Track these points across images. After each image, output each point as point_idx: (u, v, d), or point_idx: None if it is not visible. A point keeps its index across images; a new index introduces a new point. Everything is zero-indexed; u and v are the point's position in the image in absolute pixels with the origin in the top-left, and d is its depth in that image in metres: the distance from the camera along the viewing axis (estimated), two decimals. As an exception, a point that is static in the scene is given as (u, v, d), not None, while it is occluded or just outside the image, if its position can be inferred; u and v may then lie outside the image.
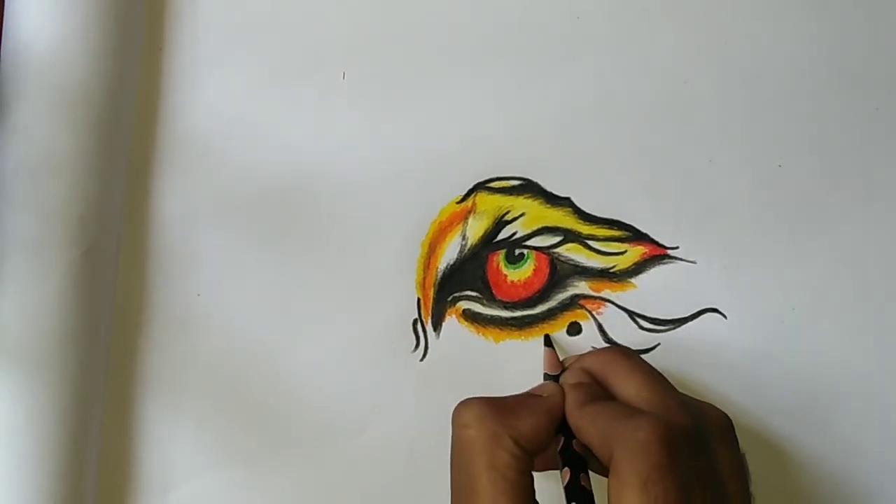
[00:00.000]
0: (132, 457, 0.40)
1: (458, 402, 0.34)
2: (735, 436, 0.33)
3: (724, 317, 0.40)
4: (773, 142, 0.41)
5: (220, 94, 0.42)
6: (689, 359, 0.39)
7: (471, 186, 0.41)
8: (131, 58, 0.40)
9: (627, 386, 0.33)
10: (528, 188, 0.40)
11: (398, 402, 0.40)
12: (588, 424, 0.32)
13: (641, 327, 0.40)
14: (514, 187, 0.40)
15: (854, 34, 0.41)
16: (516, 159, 0.41)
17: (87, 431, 0.38)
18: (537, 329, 0.40)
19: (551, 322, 0.40)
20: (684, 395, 0.34)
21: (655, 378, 0.33)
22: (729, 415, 0.34)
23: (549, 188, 0.40)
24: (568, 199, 0.40)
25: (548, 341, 0.39)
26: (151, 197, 0.41)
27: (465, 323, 0.40)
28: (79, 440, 0.38)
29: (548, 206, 0.40)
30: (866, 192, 0.40)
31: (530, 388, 0.36)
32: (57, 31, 0.38)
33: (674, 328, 0.40)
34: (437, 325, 0.40)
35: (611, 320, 0.40)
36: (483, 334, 0.40)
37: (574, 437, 0.33)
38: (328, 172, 0.41)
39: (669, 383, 0.33)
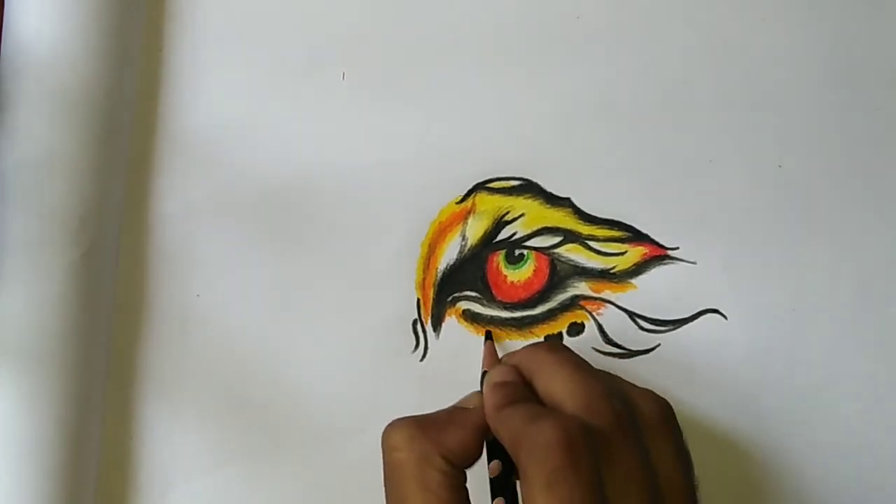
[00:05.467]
0: (132, 457, 0.40)
1: (387, 424, 0.33)
2: (674, 423, 0.33)
3: (725, 317, 0.40)
4: (773, 142, 0.41)
5: (220, 94, 0.42)
6: (690, 359, 0.39)
7: (470, 187, 0.41)
8: (131, 58, 0.40)
9: (553, 381, 0.32)
10: (528, 188, 0.40)
11: (398, 403, 0.40)
12: (502, 428, 0.32)
13: (642, 328, 0.40)
14: (513, 187, 0.41)
15: (854, 34, 0.41)
16: (516, 159, 0.41)
17: (87, 431, 0.38)
18: (538, 330, 0.40)
19: (551, 323, 0.40)
20: (623, 383, 0.34)
21: (581, 370, 0.32)
22: (669, 401, 0.33)
23: (549, 188, 0.40)
24: (568, 199, 0.40)
25: (489, 336, 0.39)
26: (151, 197, 0.41)
27: (465, 323, 0.40)
28: (79, 440, 0.38)
29: (548, 206, 0.40)
30: (866, 192, 0.40)
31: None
32: (57, 32, 0.38)
33: (674, 329, 0.40)
34: (436, 326, 0.40)
35: (611, 321, 0.40)
36: (483, 335, 0.40)
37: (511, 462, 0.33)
38: (328, 173, 0.41)
39: (598, 374, 0.33)
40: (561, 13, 0.41)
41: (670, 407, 0.33)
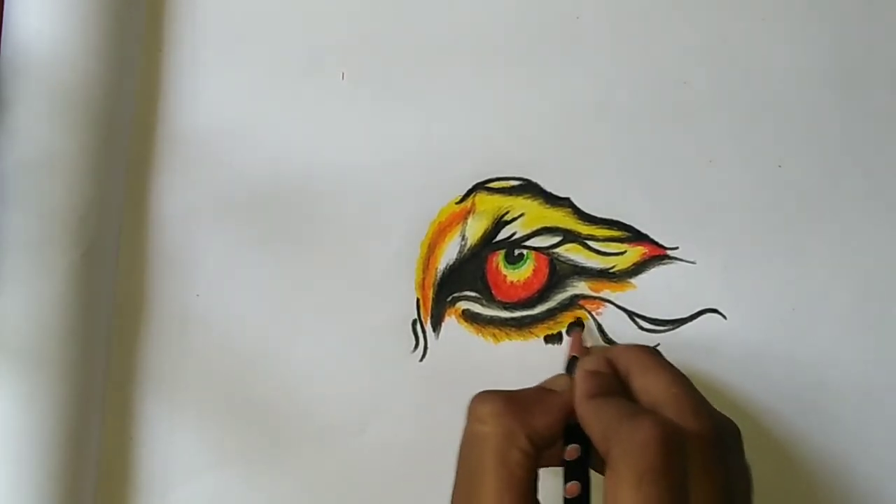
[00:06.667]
0: (132, 457, 0.40)
1: (476, 393, 0.34)
2: (743, 447, 0.33)
3: (724, 317, 0.40)
4: (773, 142, 0.40)
5: (220, 94, 0.42)
6: (689, 359, 0.39)
7: (470, 187, 0.41)
8: (131, 58, 0.40)
9: (656, 382, 0.33)
10: (528, 188, 0.40)
11: (397, 403, 0.40)
12: (591, 417, 0.32)
13: (641, 328, 0.40)
14: (513, 187, 0.40)
15: (854, 34, 0.41)
16: (516, 159, 0.41)
17: (87, 431, 0.38)
18: (537, 330, 0.40)
19: (551, 322, 0.40)
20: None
21: (681, 378, 0.33)
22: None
23: (548, 188, 0.40)
24: (567, 199, 0.40)
25: (579, 322, 0.39)
26: (151, 197, 0.41)
27: (465, 323, 0.40)
28: (79, 440, 0.38)
29: (547, 206, 0.40)
30: (866, 192, 0.40)
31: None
32: (57, 32, 0.38)
33: (673, 328, 0.40)
34: (436, 326, 0.40)
35: (610, 321, 0.40)
36: (482, 335, 0.40)
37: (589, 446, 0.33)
38: (327, 173, 0.41)
39: (693, 386, 0.33)
40: (561, 13, 0.41)
41: (739, 430, 0.34)
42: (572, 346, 0.38)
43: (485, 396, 0.33)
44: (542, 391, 0.35)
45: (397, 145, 0.41)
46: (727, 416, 0.34)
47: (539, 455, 0.32)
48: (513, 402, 0.33)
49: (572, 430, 0.33)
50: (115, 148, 0.40)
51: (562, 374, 0.36)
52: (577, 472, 0.33)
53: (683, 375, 0.34)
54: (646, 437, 0.29)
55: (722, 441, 0.31)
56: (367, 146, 0.41)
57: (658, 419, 0.30)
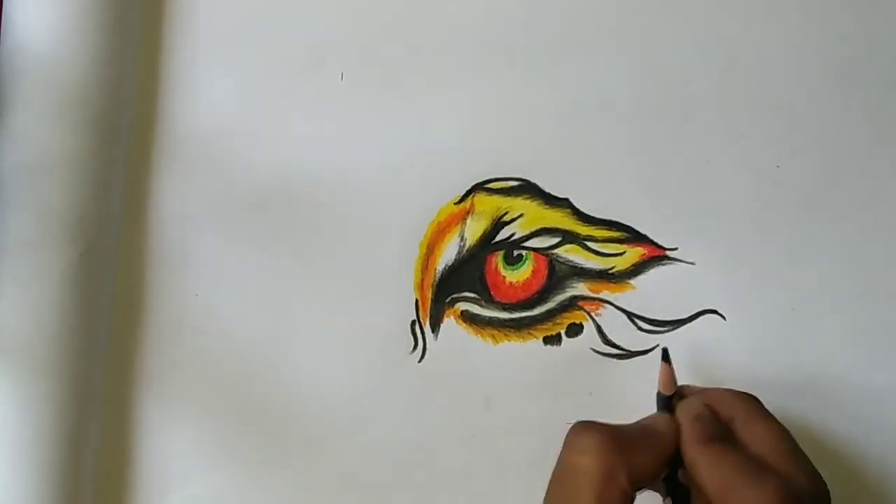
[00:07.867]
0: (131, 457, 0.40)
1: (576, 422, 0.33)
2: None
3: (724, 318, 0.40)
4: (773, 142, 0.40)
5: (220, 94, 0.42)
6: (689, 360, 0.39)
7: (469, 187, 0.41)
8: (130, 58, 0.40)
9: (766, 434, 0.33)
10: (527, 189, 0.40)
11: (396, 404, 0.40)
12: (708, 466, 0.32)
13: (640, 328, 0.40)
14: (512, 188, 0.40)
15: (853, 34, 0.41)
16: (515, 160, 0.41)
17: (86, 431, 0.38)
18: (536, 331, 0.40)
19: (550, 324, 0.40)
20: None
21: (788, 432, 0.33)
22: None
23: (547, 189, 0.40)
24: (567, 199, 0.40)
25: (666, 356, 0.36)
26: (150, 197, 0.41)
27: (464, 324, 0.40)
28: (78, 440, 0.38)
29: (546, 206, 0.40)
30: (866, 192, 0.40)
31: (641, 416, 0.35)
32: (57, 32, 0.38)
33: (673, 329, 0.40)
34: (435, 327, 0.40)
35: (610, 322, 0.40)
36: (481, 336, 0.40)
37: (680, 468, 0.33)
38: (327, 173, 0.41)
39: (796, 441, 0.33)
40: (561, 13, 0.41)
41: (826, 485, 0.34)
42: (664, 383, 0.36)
43: (587, 428, 0.32)
44: (647, 430, 0.34)
45: (397, 145, 0.41)
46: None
47: (635, 493, 0.32)
48: (616, 438, 0.32)
49: (669, 481, 0.33)
50: (115, 148, 0.40)
51: (663, 413, 0.35)
52: None
53: (786, 430, 0.33)
54: (771, 499, 0.30)
55: (820, 500, 0.32)
56: (367, 146, 0.41)
57: (782, 481, 0.30)
